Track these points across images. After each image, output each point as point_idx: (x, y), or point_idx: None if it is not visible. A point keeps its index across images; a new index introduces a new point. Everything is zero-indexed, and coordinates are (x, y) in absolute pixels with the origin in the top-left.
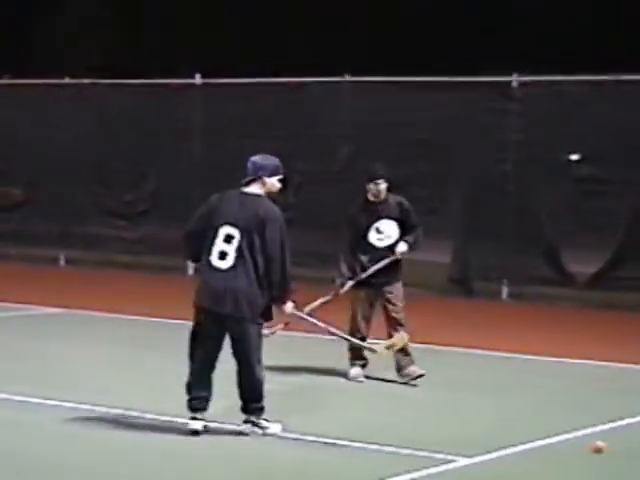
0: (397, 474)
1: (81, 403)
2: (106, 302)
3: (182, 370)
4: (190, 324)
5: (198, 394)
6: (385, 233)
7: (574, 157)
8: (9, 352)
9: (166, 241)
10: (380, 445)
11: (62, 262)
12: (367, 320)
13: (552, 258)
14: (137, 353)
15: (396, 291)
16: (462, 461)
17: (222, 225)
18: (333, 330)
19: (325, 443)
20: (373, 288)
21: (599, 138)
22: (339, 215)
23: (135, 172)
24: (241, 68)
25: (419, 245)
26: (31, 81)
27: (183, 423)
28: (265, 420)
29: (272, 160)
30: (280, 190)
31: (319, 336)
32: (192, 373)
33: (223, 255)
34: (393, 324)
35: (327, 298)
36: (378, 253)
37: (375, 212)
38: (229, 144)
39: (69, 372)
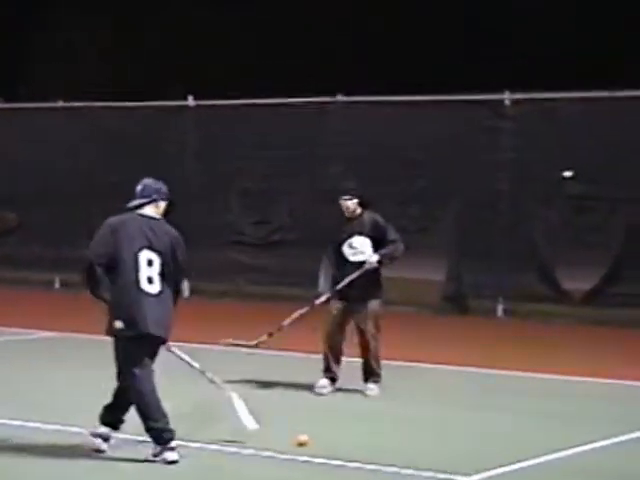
0: None
1: (82, 427)
2: (100, 325)
3: (182, 393)
4: (190, 345)
5: (166, 423)
6: (358, 249)
7: (567, 174)
8: (1, 376)
9: None
10: (380, 465)
11: (57, 285)
12: (335, 340)
13: (547, 275)
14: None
15: (369, 311)
16: None
17: (141, 250)
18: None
19: (328, 465)
20: (348, 303)
21: (592, 155)
22: (334, 235)
23: (129, 194)
24: (234, 89)
25: (394, 258)
26: (24, 105)
27: (155, 455)
28: None
29: (162, 184)
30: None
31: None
32: (150, 402)
33: (150, 280)
34: (361, 347)
35: (304, 310)
36: (351, 268)
37: (349, 228)
38: (222, 165)
39: (63, 396)
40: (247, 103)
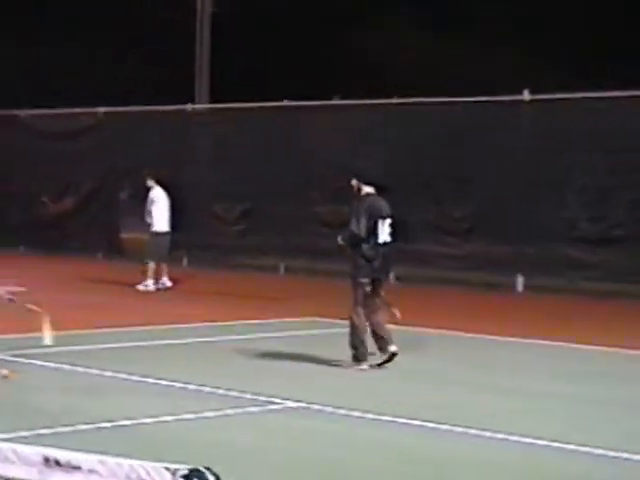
0: None
1: (412, 419)
2: (435, 319)
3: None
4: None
5: None
6: None
7: None
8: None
9: (494, 257)
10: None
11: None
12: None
13: None
14: (482, 372)
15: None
16: None
17: None
18: None
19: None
20: None
21: None
22: None
23: (462, 189)
24: (567, 82)
25: (345, 240)
26: (357, 102)
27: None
28: None
29: None
30: None
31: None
32: None
33: None
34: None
35: None
36: None
37: None
38: (555, 160)
39: (395, 388)
40: (583, 97)
